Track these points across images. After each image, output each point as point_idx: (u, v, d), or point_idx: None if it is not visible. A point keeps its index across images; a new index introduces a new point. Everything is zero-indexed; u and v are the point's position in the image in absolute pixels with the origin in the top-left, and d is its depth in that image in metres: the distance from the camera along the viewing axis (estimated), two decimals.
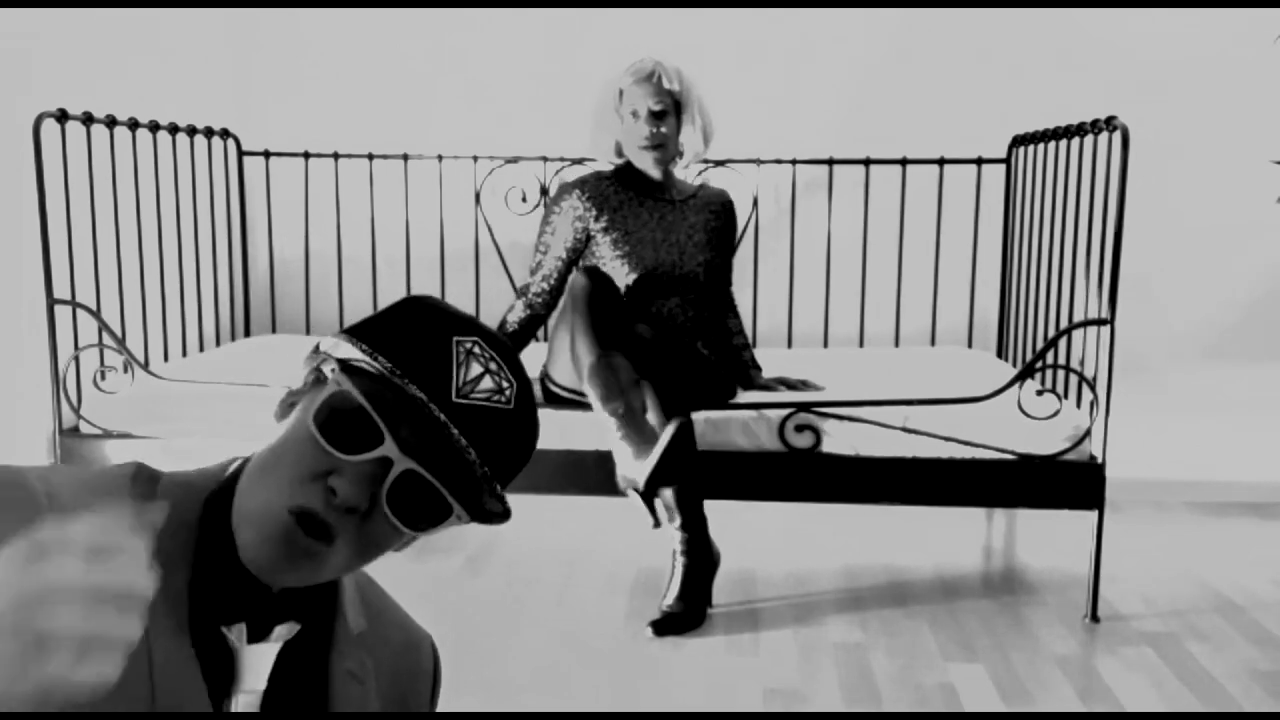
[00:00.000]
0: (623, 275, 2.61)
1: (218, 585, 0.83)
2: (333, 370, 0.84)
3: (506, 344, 0.88)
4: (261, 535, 0.81)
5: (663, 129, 2.59)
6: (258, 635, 0.85)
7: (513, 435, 0.86)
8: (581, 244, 2.65)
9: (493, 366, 0.85)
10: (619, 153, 2.68)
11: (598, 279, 2.43)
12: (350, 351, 0.85)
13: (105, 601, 0.57)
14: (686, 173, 2.94)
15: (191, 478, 0.87)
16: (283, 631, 0.86)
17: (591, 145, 2.71)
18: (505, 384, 0.86)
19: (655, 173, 2.66)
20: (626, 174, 2.68)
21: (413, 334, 0.85)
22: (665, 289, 2.63)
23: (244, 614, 0.84)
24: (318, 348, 0.88)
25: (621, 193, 2.66)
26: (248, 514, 0.81)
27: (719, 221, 2.75)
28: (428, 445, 0.82)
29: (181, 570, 0.82)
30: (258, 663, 0.85)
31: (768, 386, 2.71)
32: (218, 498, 0.85)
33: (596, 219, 2.62)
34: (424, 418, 0.82)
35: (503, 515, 0.89)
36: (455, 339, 0.85)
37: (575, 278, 2.46)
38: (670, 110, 2.59)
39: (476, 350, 0.85)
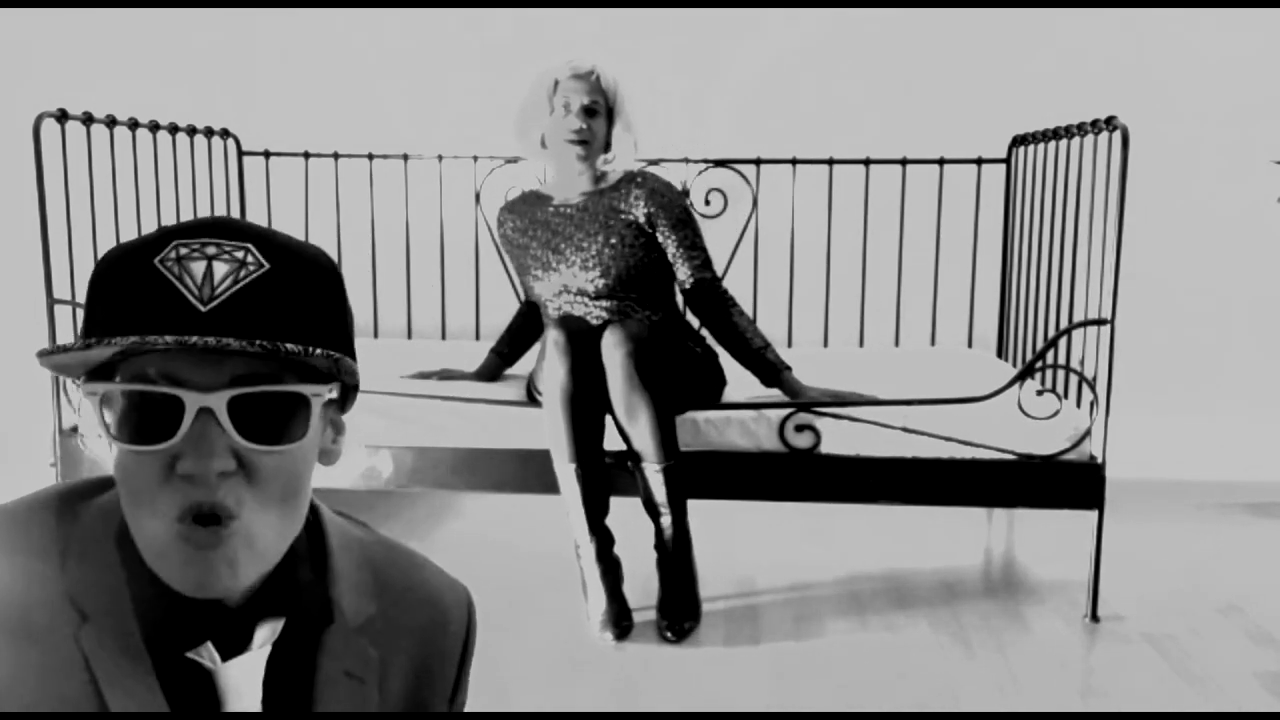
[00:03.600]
0: (549, 291, 2.59)
1: (163, 608, 0.75)
2: (78, 385, 0.76)
3: (211, 220, 0.77)
4: (164, 559, 0.73)
5: (591, 125, 2.54)
6: (236, 648, 0.76)
7: (291, 285, 0.75)
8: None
9: (211, 250, 0.73)
10: (544, 144, 2.60)
11: (578, 370, 2.35)
12: (94, 358, 0.74)
13: None
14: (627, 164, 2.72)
15: (109, 505, 0.80)
16: (266, 634, 0.77)
17: (517, 136, 2.63)
18: (239, 253, 0.74)
19: (578, 168, 2.58)
20: (544, 191, 2.67)
21: (118, 294, 0.73)
22: (608, 298, 2.56)
23: (208, 633, 0.76)
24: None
25: (542, 210, 2.62)
26: (145, 549, 0.74)
27: (632, 210, 2.54)
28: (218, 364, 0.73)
29: (118, 594, 0.75)
30: (243, 680, 0.76)
31: (816, 402, 2.52)
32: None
33: (518, 242, 2.64)
34: (185, 348, 0.71)
35: (342, 357, 0.79)
36: (156, 261, 0.73)
37: (555, 338, 2.38)
38: (601, 112, 2.55)
39: (185, 251, 0.73)
